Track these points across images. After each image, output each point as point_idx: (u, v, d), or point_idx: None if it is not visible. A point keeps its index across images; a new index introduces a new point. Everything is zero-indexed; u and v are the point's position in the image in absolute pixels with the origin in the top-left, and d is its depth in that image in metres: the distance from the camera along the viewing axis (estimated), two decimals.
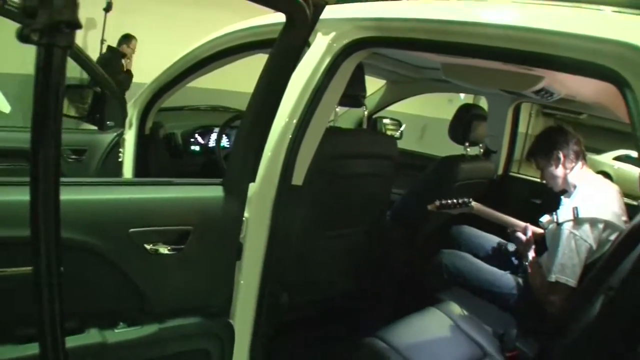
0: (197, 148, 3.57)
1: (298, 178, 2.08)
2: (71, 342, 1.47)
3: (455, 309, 2.56)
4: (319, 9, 1.55)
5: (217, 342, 1.82)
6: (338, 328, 2.81)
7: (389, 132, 4.41)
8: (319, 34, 2.04)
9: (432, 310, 2.48)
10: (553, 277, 2.41)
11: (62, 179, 0.97)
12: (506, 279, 2.79)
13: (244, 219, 1.88)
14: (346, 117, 4.12)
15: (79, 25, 0.80)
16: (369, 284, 2.95)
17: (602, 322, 1.75)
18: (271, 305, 2.13)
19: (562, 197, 2.64)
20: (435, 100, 8.51)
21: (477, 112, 3.27)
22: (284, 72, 1.63)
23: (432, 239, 3.35)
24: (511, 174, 3.96)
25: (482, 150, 3.58)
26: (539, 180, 3.30)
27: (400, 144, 3.46)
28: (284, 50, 1.59)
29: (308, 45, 2.04)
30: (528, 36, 1.62)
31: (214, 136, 3.60)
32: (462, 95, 4.70)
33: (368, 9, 2.07)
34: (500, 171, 3.85)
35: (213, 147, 3.47)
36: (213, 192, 1.73)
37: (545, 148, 2.74)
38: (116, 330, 1.58)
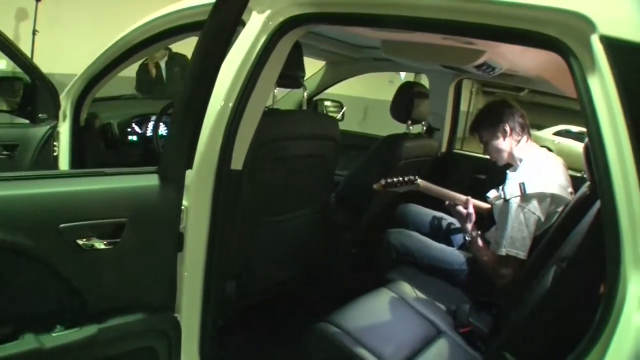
0: (134, 138, 3.46)
1: (237, 162, 2.03)
2: (3, 351, 1.39)
3: (406, 288, 2.54)
4: None
5: (163, 338, 1.75)
6: (288, 314, 2.78)
7: (330, 114, 4.37)
8: (254, 12, 1.97)
9: (383, 291, 2.46)
10: (503, 251, 2.43)
11: None
12: (455, 255, 2.80)
13: (183, 207, 1.81)
14: (286, 100, 4.08)
15: None
16: (316, 267, 2.92)
17: (555, 292, 1.75)
18: (218, 295, 2.06)
19: (507, 171, 2.65)
20: (376, 81, 8.52)
21: (419, 90, 3.25)
22: (217, 53, 1.55)
23: (378, 219, 3.33)
24: (455, 151, 3.99)
25: (424, 128, 3.56)
26: (482, 156, 3.31)
27: (343, 126, 3.43)
28: (216, 29, 1.51)
29: (243, 24, 1.96)
30: (470, 7, 1.58)
31: (151, 125, 3.49)
32: (402, 74, 4.69)
33: None
34: (443, 148, 3.87)
35: (151, 136, 3.37)
36: (148, 181, 1.64)
37: (491, 120, 2.73)
38: (54, 334, 1.48)
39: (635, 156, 1.22)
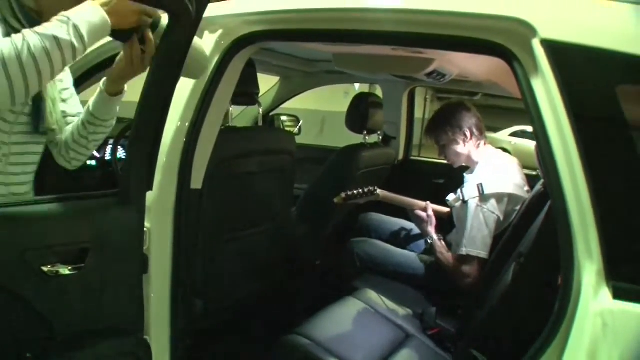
0: (92, 162, 3.43)
1: (197, 182, 2.05)
2: None
3: (372, 295, 2.57)
4: (202, 5, 1.49)
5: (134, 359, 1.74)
6: (258, 329, 2.78)
7: (287, 129, 4.40)
8: (206, 32, 1.99)
9: (349, 299, 2.49)
10: (464, 251, 2.47)
11: None
12: (418, 260, 2.84)
13: (145, 229, 1.81)
14: (242, 117, 4.10)
15: None
16: (281, 282, 2.94)
17: (515, 287, 1.80)
18: (186, 314, 2.07)
19: (464, 174, 2.70)
20: (332, 93, 8.58)
21: (372, 100, 3.30)
22: (171, 73, 1.56)
23: (341, 230, 3.37)
24: (412, 158, 4.05)
25: (380, 137, 3.61)
26: (440, 161, 3.37)
27: (300, 140, 3.46)
28: (169, 50, 1.51)
29: None
30: (416, 18, 1.64)
31: (109, 149, 3.46)
32: (356, 85, 4.75)
33: (254, 3, 2.02)
34: (401, 156, 3.92)
35: (109, 159, 3.33)
36: (108, 204, 1.63)
37: (450, 124, 2.73)
38: None
39: (580, 152, 1.27)
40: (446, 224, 2.92)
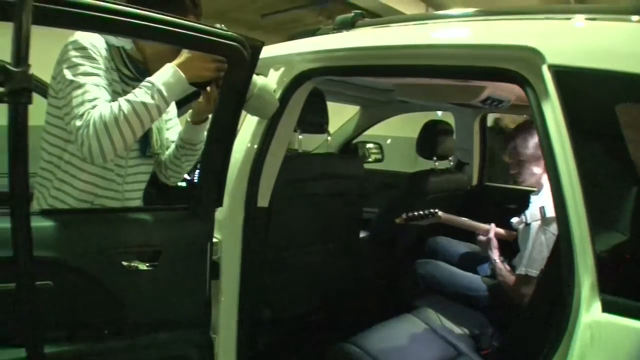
0: (183, 184, 3.74)
1: (263, 200, 2.29)
2: (62, 347, 1.65)
3: (431, 314, 2.65)
4: (257, 50, 1.76)
5: (196, 349, 1.97)
6: (317, 339, 2.91)
7: (372, 156, 4.59)
8: (271, 70, 2.27)
9: (406, 316, 2.59)
10: (523, 270, 2.52)
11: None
12: (480, 282, 2.91)
13: (217, 240, 2.08)
14: (325, 144, 4.31)
15: (31, 91, 1.12)
16: (345, 297, 3.09)
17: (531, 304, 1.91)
18: (254, 320, 2.31)
19: (530, 195, 2.74)
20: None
21: (442, 127, 3.43)
22: (234, 107, 1.82)
23: (409, 252, 3.47)
24: (487, 184, 4.06)
25: (451, 163, 3.73)
26: (514, 187, 3.43)
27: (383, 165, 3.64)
28: (230, 88, 1.79)
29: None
30: (439, 52, 1.84)
31: (197, 172, 3.76)
32: (439, 112, 4.86)
33: (313, 42, 2.29)
34: (474, 182, 3.97)
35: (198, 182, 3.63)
36: (181, 216, 1.91)
37: (534, 140, 2.70)
38: (101, 339, 1.75)
39: (579, 172, 1.36)
40: (512, 248, 2.95)
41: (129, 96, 1.70)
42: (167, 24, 1.55)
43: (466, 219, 3.00)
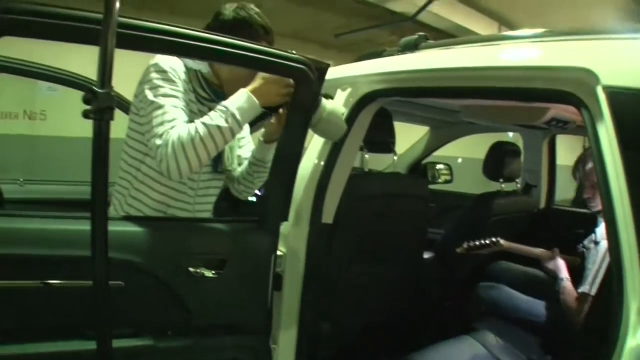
0: (253, 198, 3.85)
1: (328, 216, 2.36)
2: (128, 343, 1.78)
3: (489, 337, 2.65)
4: (322, 71, 1.86)
5: (253, 353, 2.06)
6: (379, 356, 2.94)
7: (442, 177, 4.61)
8: (339, 90, 2.37)
9: (464, 337, 2.61)
10: (586, 289, 2.48)
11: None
12: (541, 307, 2.89)
13: (281, 254, 2.18)
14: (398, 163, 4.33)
15: (113, 109, 1.26)
16: (405, 316, 3.11)
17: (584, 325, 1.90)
18: (314, 333, 2.38)
19: (598, 215, 2.71)
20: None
21: (510, 148, 3.43)
22: (300, 125, 1.93)
23: (472, 274, 3.46)
24: (554, 207, 4.00)
25: (519, 185, 3.71)
26: (583, 210, 3.37)
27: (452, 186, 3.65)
28: (297, 107, 1.90)
29: (331, 98, 2.35)
30: (493, 74, 1.89)
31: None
32: (510, 134, 4.83)
33: (379, 64, 2.37)
34: (542, 205, 3.92)
35: None
36: (247, 228, 2.01)
37: None
38: (165, 338, 1.86)
39: (630, 194, 1.35)
40: (576, 274, 2.88)
41: (205, 119, 1.84)
42: (238, 47, 1.67)
43: (529, 247, 2.99)
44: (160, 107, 1.86)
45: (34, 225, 1.67)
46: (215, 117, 1.84)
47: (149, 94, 1.88)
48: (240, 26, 2.01)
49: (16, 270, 1.61)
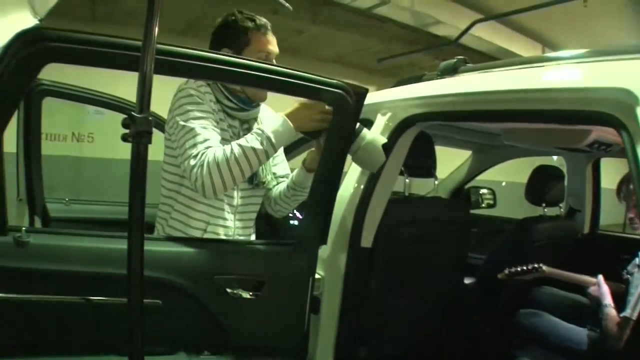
0: (295, 222, 3.87)
1: (367, 241, 2.36)
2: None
3: None
4: (361, 96, 1.87)
5: None
6: None
7: (485, 201, 4.56)
8: (379, 115, 2.38)
9: None
10: (628, 313, 2.43)
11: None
12: (583, 335, 2.81)
13: (319, 277, 2.19)
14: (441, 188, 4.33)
15: (151, 133, 1.30)
16: (445, 341, 3.07)
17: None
18: (350, 357, 2.37)
19: None
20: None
21: (553, 172, 3.37)
22: (339, 149, 1.94)
23: (513, 301, 3.39)
24: (599, 232, 3.90)
25: (562, 209, 3.65)
26: (629, 235, 3.30)
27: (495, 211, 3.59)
28: (336, 131, 1.91)
29: (371, 122, 2.36)
30: (533, 96, 1.88)
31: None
32: (554, 157, 4.75)
33: (418, 88, 2.37)
34: (586, 230, 3.83)
35: None
36: (285, 251, 2.03)
37: None
38: (201, 356, 1.88)
39: None
40: (620, 301, 2.82)
41: (241, 141, 1.90)
42: (276, 73, 1.70)
43: (572, 273, 2.93)
44: (191, 130, 1.93)
45: (77, 243, 1.73)
46: (251, 140, 1.89)
47: (179, 119, 1.96)
48: (230, 27, 2.11)
49: (59, 285, 1.66)
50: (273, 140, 1.90)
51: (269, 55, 2.11)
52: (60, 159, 6.27)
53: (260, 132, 1.91)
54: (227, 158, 1.86)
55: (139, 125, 1.28)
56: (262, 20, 2.13)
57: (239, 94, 2.13)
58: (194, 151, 1.89)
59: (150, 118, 1.29)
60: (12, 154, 2.86)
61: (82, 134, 6.77)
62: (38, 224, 3.13)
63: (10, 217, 1.63)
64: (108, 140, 5.81)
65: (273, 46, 2.14)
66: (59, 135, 6.62)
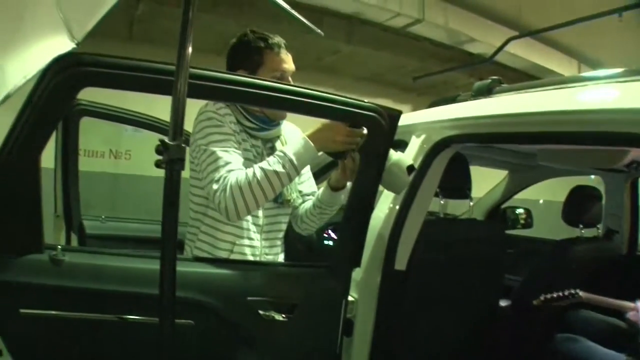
0: (330, 242, 3.87)
1: (400, 263, 2.34)
2: None
3: None
4: (394, 119, 1.87)
5: None
6: None
7: (521, 221, 4.50)
8: (413, 136, 2.37)
9: None
10: None
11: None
12: None
13: (352, 299, 2.18)
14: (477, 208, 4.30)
15: (184, 160, 1.34)
16: None
17: None
18: None
19: None
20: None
21: (590, 192, 3.30)
22: (373, 173, 1.94)
23: (549, 324, 3.32)
24: (638, 253, 3.79)
25: (599, 230, 3.58)
26: None
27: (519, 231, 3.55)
28: (370, 154, 1.91)
29: (406, 144, 2.35)
30: (575, 118, 1.84)
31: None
32: (592, 177, 4.68)
33: (452, 110, 2.35)
34: (624, 251, 3.74)
35: None
36: (319, 274, 2.03)
37: None
38: None
39: None
40: None
41: (263, 164, 1.92)
42: (309, 96, 1.71)
43: (610, 298, 2.85)
44: (212, 153, 1.95)
45: (111, 263, 1.77)
46: (273, 163, 1.91)
47: (201, 143, 1.99)
48: (243, 47, 2.14)
49: (92, 303, 1.70)
50: (295, 162, 1.91)
51: (284, 74, 2.12)
52: (98, 175, 6.38)
53: (282, 154, 1.93)
54: (250, 181, 1.88)
55: (172, 152, 1.31)
56: (275, 38, 2.14)
57: (258, 114, 2.14)
58: (216, 175, 1.92)
59: (183, 145, 1.32)
60: (49, 169, 2.92)
61: (119, 151, 6.88)
62: (74, 240, 3.20)
63: (46, 233, 1.68)
64: (145, 157, 5.89)
65: (288, 64, 2.15)
66: (97, 152, 6.73)
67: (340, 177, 2.13)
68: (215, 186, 1.90)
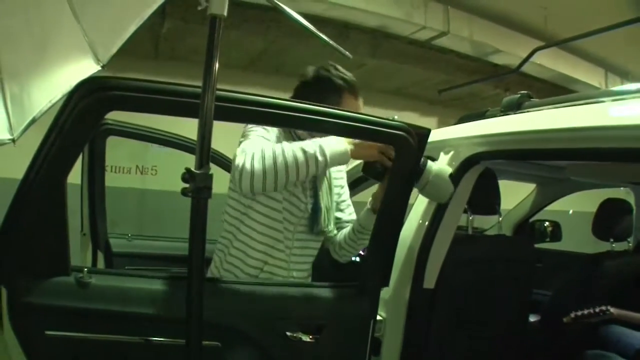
0: (357, 259, 3.83)
1: (429, 282, 2.31)
2: None
3: None
4: (423, 137, 1.85)
5: None
6: None
7: (550, 235, 4.43)
8: (442, 153, 2.34)
9: None
10: None
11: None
12: None
13: (381, 318, 2.15)
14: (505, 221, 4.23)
15: (210, 188, 1.33)
16: None
17: None
18: None
19: None
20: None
21: (620, 206, 3.25)
22: (402, 191, 1.92)
23: (580, 340, 3.26)
24: None
25: (630, 244, 3.52)
26: None
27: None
28: (399, 172, 1.89)
29: (434, 160, 2.33)
30: (607, 134, 1.81)
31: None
32: (621, 188, 4.61)
33: (481, 126, 2.32)
34: None
35: None
36: (347, 293, 2.00)
37: None
38: None
39: None
40: None
41: (295, 144, 1.89)
42: (337, 117, 1.70)
43: None
44: (249, 140, 1.95)
45: (138, 285, 1.76)
46: (303, 144, 1.89)
47: (242, 142, 1.97)
48: (322, 83, 2.11)
49: (119, 325, 1.70)
50: (325, 150, 1.88)
51: None
52: (124, 191, 6.41)
53: (315, 140, 1.92)
54: (275, 153, 1.84)
55: (199, 181, 1.30)
56: (353, 79, 2.14)
57: (304, 138, 2.11)
58: (247, 150, 1.88)
59: (210, 172, 1.31)
60: (76, 185, 2.93)
61: (145, 167, 6.91)
62: (101, 258, 3.21)
63: (73, 251, 1.68)
64: (171, 172, 5.92)
65: (362, 110, 2.13)
66: (124, 168, 6.77)
67: (380, 199, 2.08)
68: (241, 156, 1.86)
